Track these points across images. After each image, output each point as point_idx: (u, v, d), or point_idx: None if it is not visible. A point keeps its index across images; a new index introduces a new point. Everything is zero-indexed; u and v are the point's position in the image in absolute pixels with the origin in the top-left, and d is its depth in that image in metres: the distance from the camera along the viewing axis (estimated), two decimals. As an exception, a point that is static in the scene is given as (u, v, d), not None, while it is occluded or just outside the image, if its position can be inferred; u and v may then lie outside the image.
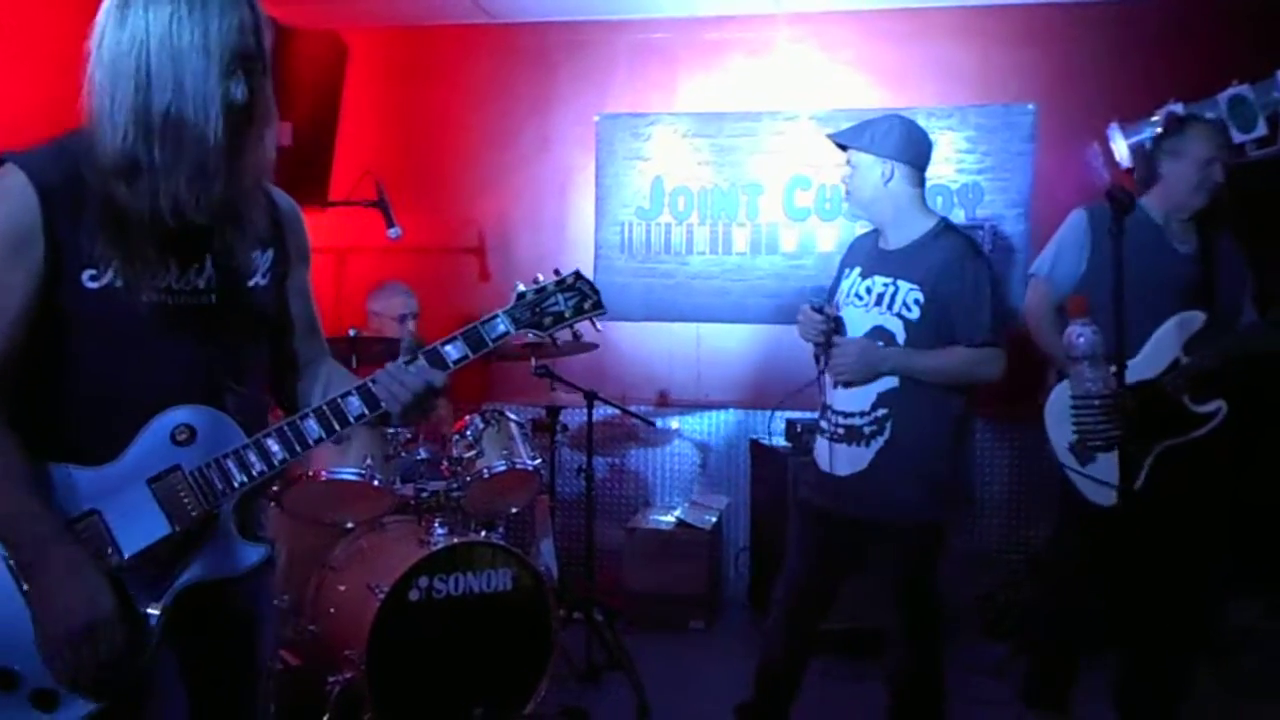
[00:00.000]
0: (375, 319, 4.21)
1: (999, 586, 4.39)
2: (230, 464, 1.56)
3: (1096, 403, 2.86)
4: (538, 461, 3.55)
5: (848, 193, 2.88)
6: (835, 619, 3.24)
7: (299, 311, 1.78)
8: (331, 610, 3.22)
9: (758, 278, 4.70)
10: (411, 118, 5.03)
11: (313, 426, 1.61)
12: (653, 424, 4.27)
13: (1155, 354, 3.00)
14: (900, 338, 2.71)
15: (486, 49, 4.95)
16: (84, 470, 1.52)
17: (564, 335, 1.81)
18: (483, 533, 3.30)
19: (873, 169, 2.78)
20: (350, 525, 3.43)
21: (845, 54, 4.67)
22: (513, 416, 3.59)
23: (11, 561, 1.47)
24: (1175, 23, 4.37)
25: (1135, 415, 2.77)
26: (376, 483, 3.21)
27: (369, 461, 3.20)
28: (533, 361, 3.79)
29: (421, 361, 1.65)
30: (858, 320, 2.79)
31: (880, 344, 2.72)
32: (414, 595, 3.04)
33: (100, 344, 1.53)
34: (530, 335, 1.75)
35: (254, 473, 1.57)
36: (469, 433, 3.45)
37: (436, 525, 3.23)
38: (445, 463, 3.45)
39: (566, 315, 1.75)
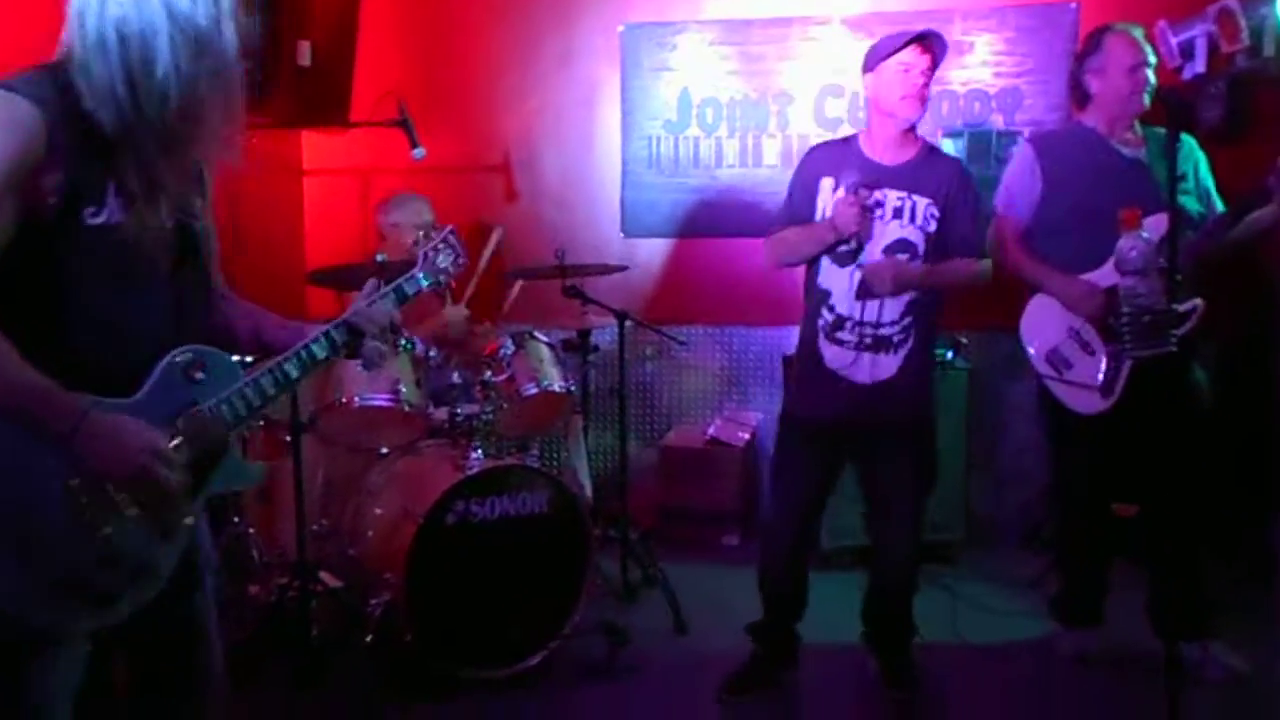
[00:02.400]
0: (395, 230, 4.10)
1: (1035, 498, 4.37)
2: (236, 400, 1.69)
3: (1147, 318, 2.89)
4: (569, 383, 3.52)
5: (921, 102, 2.82)
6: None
7: (210, 248, 1.82)
8: (369, 534, 3.26)
9: (789, 190, 4.58)
10: (431, 33, 4.90)
11: (293, 368, 1.79)
12: (684, 343, 4.22)
13: None
14: (921, 249, 2.84)
15: (506, -41, 4.79)
16: (121, 401, 1.58)
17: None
18: (518, 455, 3.30)
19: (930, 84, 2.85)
20: (385, 450, 3.44)
21: (879, -47, 4.47)
22: (543, 339, 3.56)
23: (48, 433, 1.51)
24: (1229, -90, 4.13)
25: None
26: (409, 408, 3.21)
27: (401, 387, 3.19)
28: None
29: (388, 301, 1.92)
30: (876, 231, 2.82)
31: (905, 256, 2.82)
32: (450, 519, 3.06)
33: (101, 281, 1.57)
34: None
35: (256, 406, 1.74)
36: (500, 356, 3.43)
37: (472, 449, 3.23)
38: (478, 386, 3.44)
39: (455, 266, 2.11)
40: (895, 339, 2.85)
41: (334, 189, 5.07)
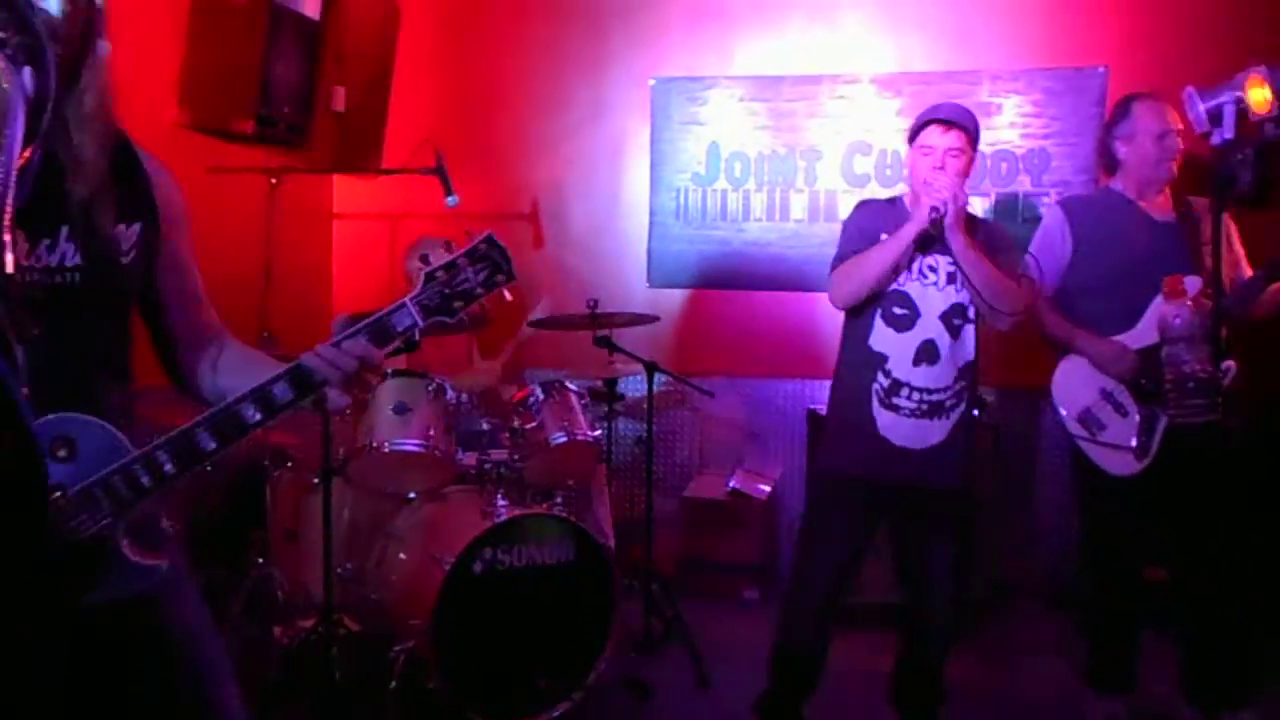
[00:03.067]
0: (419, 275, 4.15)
1: (1059, 558, 4.34)
2: (118, 481, 1.38)
3: (1192, 384, 2.90)
4: (598, 432, 3.53)
5: (946, 184, 2.74)
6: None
7: (174, 285, 1.60)
8: (394, 579, 3.25)
9: (816, 245, 4.60)
10: (464, 83, 4.98)
11: (205, 438, 1.43)
12: (711, 395, 4.22)
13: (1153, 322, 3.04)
14: (972, 313, 2.83)
15: (539, 12, 4.88)
16: None
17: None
18: (544, 504, 3.30)
19: (972, 162, 2.84)
20: (411, 495, 3.44)
21: (908, 16, 4.55)
22: (573, 387, 3.57)
23: None
24: (1255, -19, 4.20)
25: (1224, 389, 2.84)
26: (438, 454, 3.22)
27: (431, 432, 3.20)
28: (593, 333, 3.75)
29: (361, 339, 1.52)
30: (934, 298, 2.80)
31: (959, 322, 2.81)
32: (477, 567, 3.05)
33: None
34: (436, 321, 1.59)
35: (144, 489, 1.40)
36: (530, 403, 3.44)
37: (499, 497, 3.23)
38: (507, 433, 3.45)
39: (477, 293, 1.60)
40: (948, 404, 2.81)
41: (363, 233, 5.13)
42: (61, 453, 1.37)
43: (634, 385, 4.60)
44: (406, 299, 1.55)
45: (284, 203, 4.16)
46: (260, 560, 3.45)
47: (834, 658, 3.02)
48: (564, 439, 3.40)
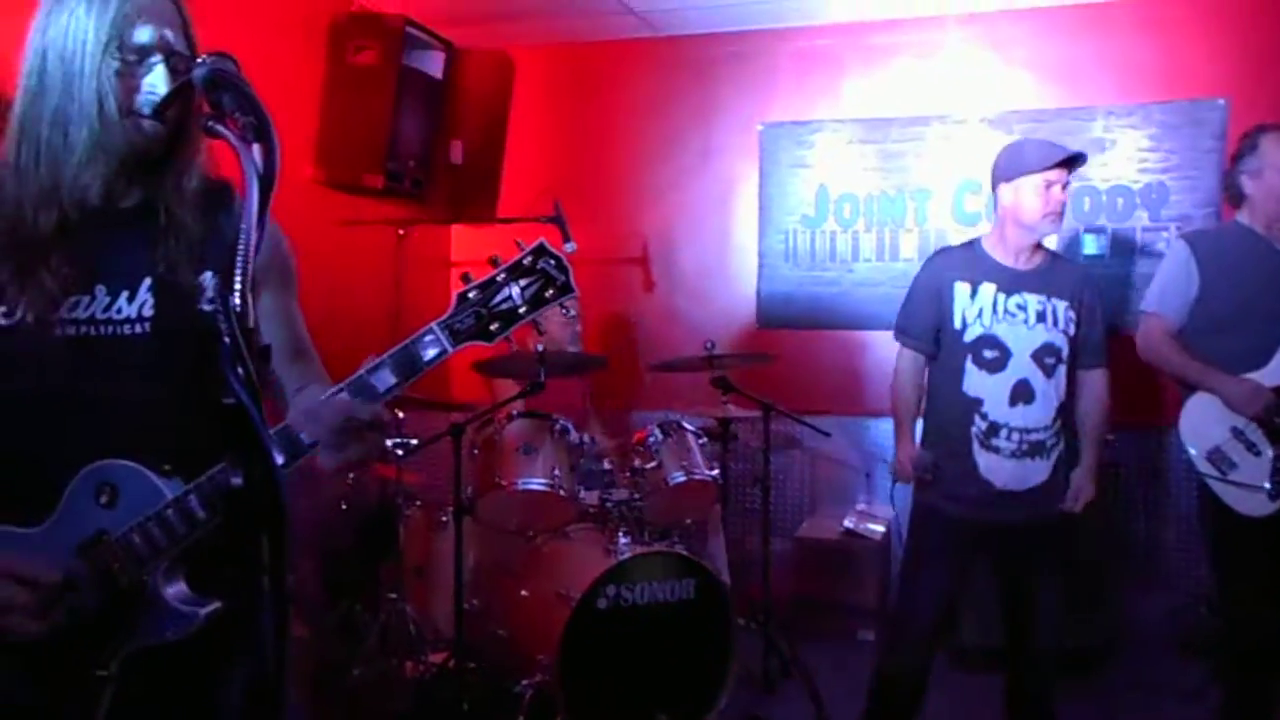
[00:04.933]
0: (540, 320, 4.25)
1: (1188, 602, 4.20)
2: (153, 527, 1.37)
3: None
4: (715, 472, 3.59)
5: (1061, 215, 2.85)
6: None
7: (275, 337, 1.53)
8: (520, 615, 3.34)
9: (926, 284, 4.61)
10: (576, 132, 5.15)
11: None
12: (828, 435, 4.24)
13: None
14: (1065, 352, 2.87)
15: (649, 63, 5.02)
16: (18, 530, 1.39)
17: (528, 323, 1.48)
18: (663, 542, 3.37)
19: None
20: (532, 534, 3.55)
21: (1017, 53, 4.55)
22: (690, 428, 3.64)
23: None
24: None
25: None
26: (563, 493, 3.32)
27: (556, 472, 3.30)
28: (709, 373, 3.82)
29: (344, 395, 1.39)
30: (1023, 336, 2.83)
31: (1051, 360, 2.85)
32: (602, 604, 3.12)
33: (20, 387, 1.40)
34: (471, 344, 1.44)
35: (179, 534, 1.36)
36: (649, 443, 3.52)
37: (620, 535, 3.31)
38: (627, 473, 3.53)
39: (521, 311, 1.42)
40: (1049, 443, 2.84)
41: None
42: (104, 499, 1.38)
43: (745, 425, 4.64)
44: (434, 323, 1.41)
45: (408, 252, 4.37)
46: (393, 595, 3.58)
47: (948, 698, 3.01)
48: (683, 478, 3.47)
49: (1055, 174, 2.81)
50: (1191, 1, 4.32)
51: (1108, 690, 3.73)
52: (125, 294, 1.43)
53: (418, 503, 3.65)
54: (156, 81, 1.38)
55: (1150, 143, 4.37)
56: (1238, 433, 3.02)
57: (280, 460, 1.36)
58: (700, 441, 3.64)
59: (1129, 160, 4.39)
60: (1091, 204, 4.44)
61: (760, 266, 4.88)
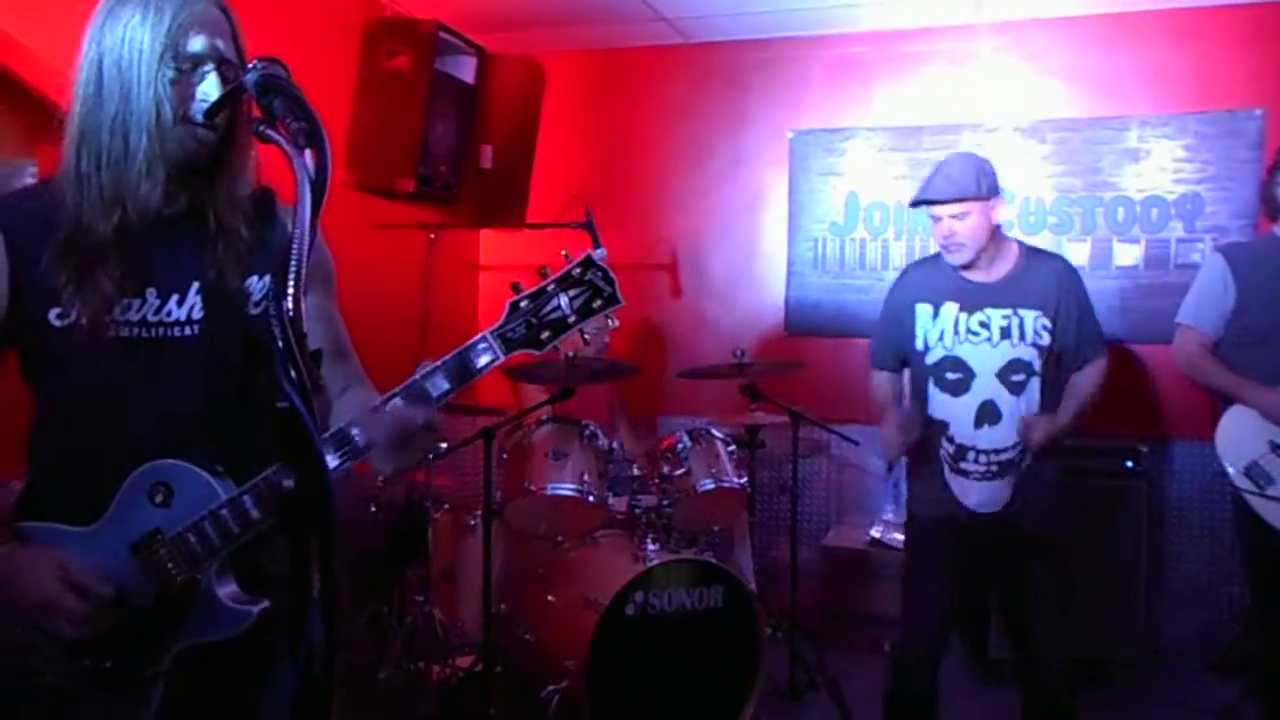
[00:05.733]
0: (583, 333, 4.26)
1: (1219, 618, 4.16)
2: (208, 527, 1.40)
3: None
4: (743, 480, 3.58)
5: (958, 245, 2.77)
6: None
7: (318, 338, 1.53)
8: (548, 620, 3.34)
9: (956, 293, 4.59)
10: (606, 138, 5.16)
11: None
12: (858, 444, 4.22)
13: None
14: (1037, 365, 2.76)
15: (680, 69, 5.02)
16: (73, 529, 1.43)
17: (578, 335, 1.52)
18: (691, 549, 3.36)
19: (985, 213, 2.76)
20: (561, 539, 3.55)
21: (1051, 62, 4.52)
22: (718, 435, 3.63)
23: None
24: None
25: None
26: (592, 499, 3.32)
27: (585, 477, 3.30)
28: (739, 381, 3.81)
29: (396, 401, 1.41)
30: (986, 356, 2.78)
31: (1020, 377, 2.77)
32: (630, 610, 3.12)
33: (73, 388, 1.45)
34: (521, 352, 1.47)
35: (233, 534, 1.39)
36: (678, 450, 3.52)
37: (648, 541, 3.30)
38: (655, 479, 3.53)
39: (570, 321, 1.46)
40: (1018, 459, 2.79)
41: (506, 284, 5.30)
42: (159, 498, 1.42)
43: (773, 433, 4.62)
44: (487, 332, 1.44)
45: (438, 256, 4.38)
46: (420, 598, 3.59)
47: (976, 711, 2.98)
48: (711, 485, 3.47)
49: (936, 208, 2.77)
50: (1228, 12, 4.27)
51: (1137, 706, 3.69)
52: (175, 297, 1.46)
53: (446, 506, 3.66)
54: (210, 89, 1.41)
55: (1186, 153, 4.33)
56: (1276, 447, 2.99)
57: (335, 463, 1.39)
58: (729, 449, 3.64)
59: (1164, 171, 4.35)
60: (1125, 214, 4.40)
61: (789, 274, 4.86)
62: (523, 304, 1.46)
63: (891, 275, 4.68)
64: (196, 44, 1.41)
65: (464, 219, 4.96)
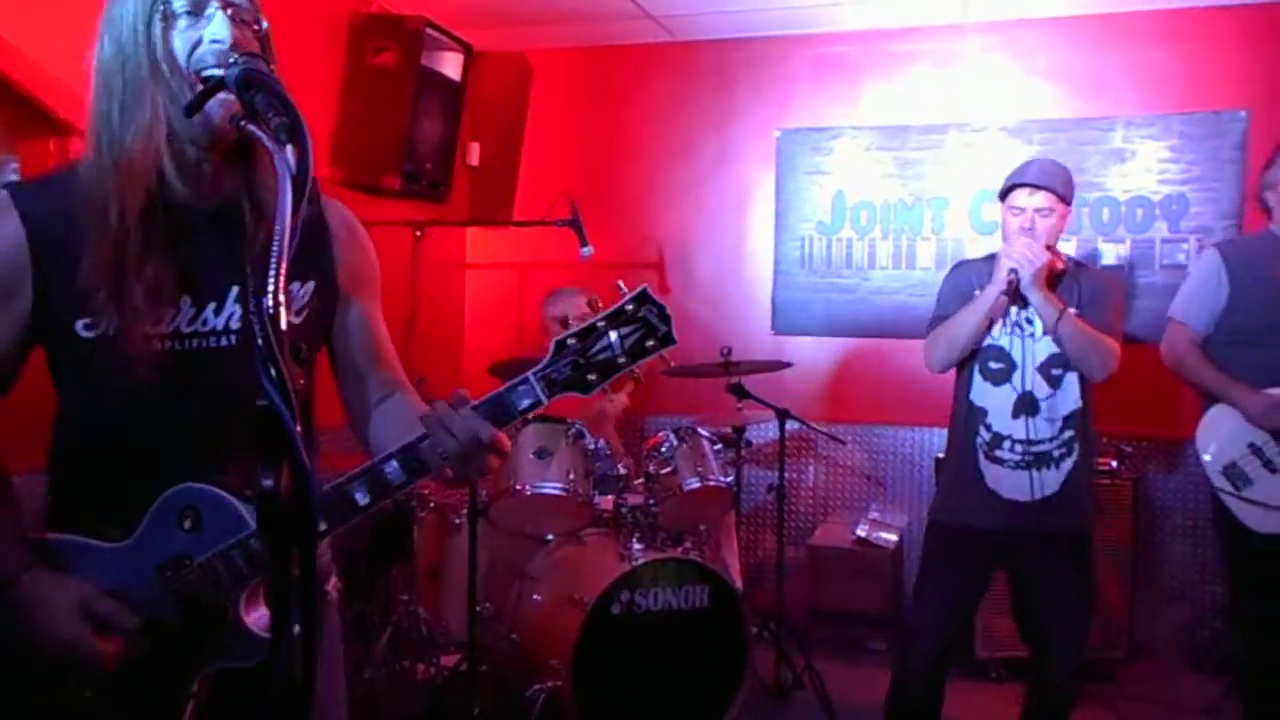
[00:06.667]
0: (558, 324, 4.22)
1: (1203, 617, 4.18)
2: (236, 555, 1.35)
3: None
4: (730, 479, 3.58)
5: (1034, 237, 2.77)
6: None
7: (356, 341, 1.55)
8: (533, 619, 3.33)
9: (942, 293, 4.59)
10: (593, 136, 5.15)
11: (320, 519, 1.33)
12: (844, 443, 4.23)
13: None
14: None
15: (667, 67, 5.02)
16: (101, 546, 1.39)
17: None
18: (679, 548, 3.35)
19: (1063, 217, 2.84)
20: (548, 537, 3.54)
21: (1037, 63, 4.53)
22: (705, 434, 3.63)
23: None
24: None
25: None
26: (578, 497, 3.31)
27: (571, 476, 3.29)
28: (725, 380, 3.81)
29: (468, 409, 1.34)
30: (1031, 349, 2.81)
31: (1059, 371, 2.80)
32: (615, 609, 3.12)
33: (103, 401, 1.39)
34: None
35: (262, 564, 1.34)
36: (664, 449, 3.51)
37: (634, 540, 3.30)
38: (642, 478, 3.52)
39: (620, 362, 1.34)
40: (1056, 454, 2.81)
41: (492, 281, 5.31)
42: (187, 524, 1.36)
43: (759, 432, 4.63)
44: (530, 373, 1.34)
45: (425, 253, 4.37)
46: (405, 597, 3.57)
47: (961, 710, 2.98)
48: (697, 484, 3.46)
49: (1023, 198, 2.79)
50: (1214, 13, 4.29)
51: (1121, 703, 3.71)
52: (213, 305, 1.40)
53: (431, 505, 3.64)
54: (218, 30, 1.32)
55: (1171, 154, 4.35)
56: (1255, 449, 3.00)
57: (402, 478, 1.34)
58: (715, 447, 3.63)
59: (1149, 171, 4.37)
60: (1110, 215, 4.42)
61: (776, 273, 4.87)
62: (569, 342, 1.34)
63: (878, 275, 4.73)
64: None
65: (451, 216, 4.94)
